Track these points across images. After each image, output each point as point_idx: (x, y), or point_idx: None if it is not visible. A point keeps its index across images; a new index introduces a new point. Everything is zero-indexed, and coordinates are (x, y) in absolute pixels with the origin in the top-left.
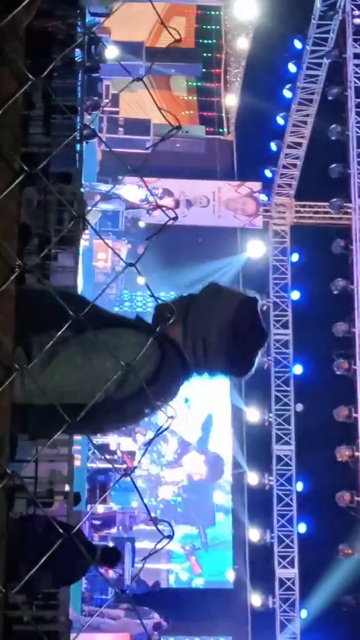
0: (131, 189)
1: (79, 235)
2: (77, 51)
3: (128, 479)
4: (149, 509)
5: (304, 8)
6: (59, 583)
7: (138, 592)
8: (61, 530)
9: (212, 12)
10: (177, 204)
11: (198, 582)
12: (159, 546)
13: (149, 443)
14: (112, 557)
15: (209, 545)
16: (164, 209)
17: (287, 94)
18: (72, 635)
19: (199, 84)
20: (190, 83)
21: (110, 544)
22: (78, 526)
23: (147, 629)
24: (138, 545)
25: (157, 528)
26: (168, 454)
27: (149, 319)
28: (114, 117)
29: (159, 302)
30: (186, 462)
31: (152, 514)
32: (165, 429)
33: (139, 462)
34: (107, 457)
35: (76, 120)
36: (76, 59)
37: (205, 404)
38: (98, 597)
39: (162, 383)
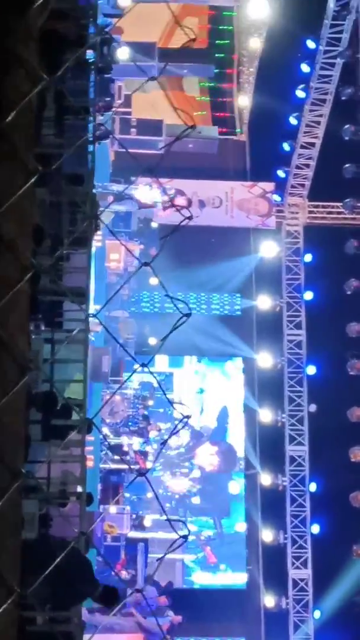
0: (144, 190)
1: (91, 236)
2: (90, 52)
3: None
4: (164, 500)
5: (317, 8)
6: (56, 602)
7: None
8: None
9: (225, 13)
10: (189, 202)
11: (213, 578)
12: (174, 546)
13: (163, 443)
14: (111, 598)
15: (224, 536)
16: (178, 208)
17: (300, 94)
18: (86, 637)
19: (212, 84)
20: (202, 84)
21: (123, 556)
22: (92, 527)
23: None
24: (152, 535)
25: (173, 528)
26: (181, 447)
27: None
28: (127, 118)
29: (172, 301)
30: (199, 454)
31: (168, 515)
32: (180, 429)
33: (154, 463)
34: (121, 457)
35: (89, 121)
36: (88, 59)
37: (220, 395)
38: None
39: None
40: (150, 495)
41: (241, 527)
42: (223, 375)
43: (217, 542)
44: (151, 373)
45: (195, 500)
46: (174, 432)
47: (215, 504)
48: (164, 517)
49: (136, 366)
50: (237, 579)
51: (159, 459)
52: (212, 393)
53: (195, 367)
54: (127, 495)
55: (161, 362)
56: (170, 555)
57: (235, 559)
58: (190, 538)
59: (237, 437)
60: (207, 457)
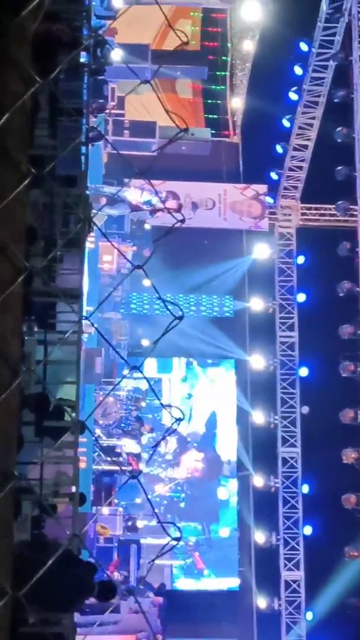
0: (136, 192)
1: (84, 238)
2: (83, 53)
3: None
4: (153, 505)
5: (310, 10)
6: (52, 609)
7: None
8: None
9: (218, 15)
10: (180, 206)
11: (196, 584)
12: (166, 548)
13: (156, 445)
14: (108, 593)
15: (212, 541)
16: (171, 211)
17: (293, 96)
18: (79, 638)
19: (205, 86)
20: (195, 86)
21: (115, 557)
22: (85, 528)
23: (153, 625)
24: (143, 541)
25: (164, 530)
26: (167, 453)
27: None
28: (120, 120)
29: (164, 303)
30: (184, 460)
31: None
32: (173, 431)
33: (147, 464)
34: (113, 459)
35: (82, 123)
36: (82, 61)
37: (209, 401)
38: None
39: None
40: (139, 501)
41: (230, 532)
42: (212, 380)
43: (205, 548)
44: (144, 377)
45: (184, 505)
46: (166, 434)
47: (204, 510)
48: (155, 522)
49: (125, 371)
50: (221, 584)
51: (151, 461)
52: (200, 399)
53: (184, 373)
54: (116, 501)
55: (150, 368)
56: (159, 561)
57: (224, 565)
58: (179, 544)
59: (227, 441)
60: (192, 462)
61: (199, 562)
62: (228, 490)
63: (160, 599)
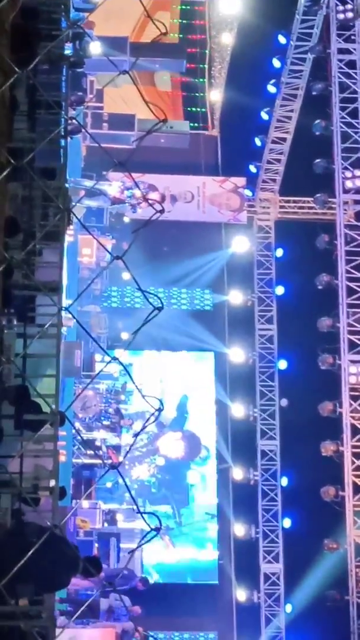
0: (116, 185)
1: (63, 231)
2: (66, 45)
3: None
4: (133, 497)
5: (288, 3)
6: (41, 589)
7: (124, 587)
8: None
9: (197, 8)
10: (162, 197)
11: (180, 568)
12: (146, 539)
13: (136, 435)
14: (94, 568)
15: (183, 525)
16: (150, 202)
17: (271, 89)
18: (58, 631)
19: (187, 79)
20: (174, 78)
21: (95, 550)
22: (64, 520)
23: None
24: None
25: (145, 521)
26: (144, 438)
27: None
28: (99, 113)
29: (144, 294)
30: (162, 445)
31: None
32: (154, 421)
33: (125, 456)
34: (93, 452)
35: (61, 115)
36: (62, 53)
37: (180, 385)
38: (83, 592)
39: None
40: (109, 484)
41: (201, 516)
42: (184, 363)
43: (175, 532)
44: (124, 366)
45: (155, 489)
46: (145, 425)
47: (174, 494)
48: (134, 508)
49: (106, 359)
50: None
51: (130, 451)
52: (171, 382)
53: (155, 357)
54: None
55: (121, 353)
56: (129, 544)
57: (194, 546)
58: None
59: (200, 424)
60: (172, 442)
61: (168, 545)
62: (198, 474)
63: (140, 587)
